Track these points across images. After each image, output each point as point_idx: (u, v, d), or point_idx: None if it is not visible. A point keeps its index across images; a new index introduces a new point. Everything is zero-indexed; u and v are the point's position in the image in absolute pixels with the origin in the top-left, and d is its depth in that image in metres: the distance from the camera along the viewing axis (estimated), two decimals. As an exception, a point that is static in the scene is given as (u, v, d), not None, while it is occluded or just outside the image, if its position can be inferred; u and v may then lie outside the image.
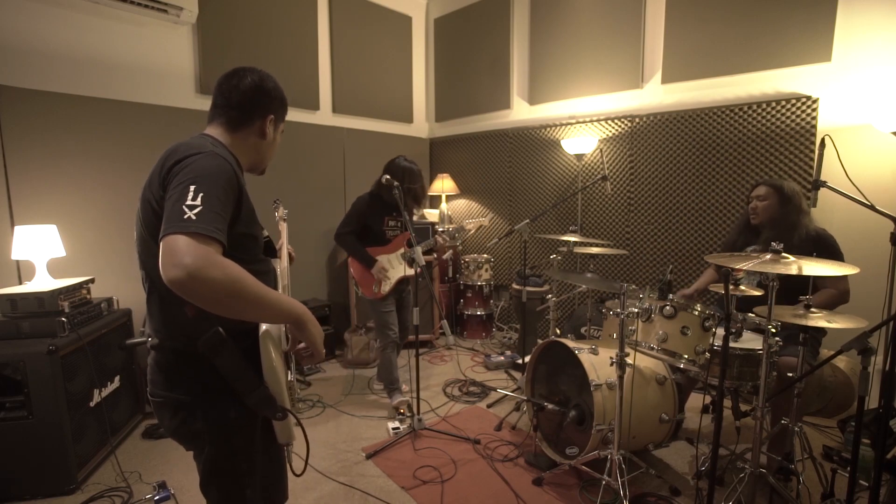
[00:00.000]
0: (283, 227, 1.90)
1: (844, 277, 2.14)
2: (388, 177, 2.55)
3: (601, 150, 3.79)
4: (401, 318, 3.07)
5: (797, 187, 2.32)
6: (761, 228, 2.33)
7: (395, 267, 2.94)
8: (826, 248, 2.14)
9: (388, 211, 2.91)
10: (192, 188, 0.92)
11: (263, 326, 1.10)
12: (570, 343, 2.26)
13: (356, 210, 2.91)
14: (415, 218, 4.95)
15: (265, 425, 1.15)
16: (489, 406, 3.04)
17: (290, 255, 1.70)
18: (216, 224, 0.92)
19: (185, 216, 0.88)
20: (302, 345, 1.12)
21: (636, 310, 2.03)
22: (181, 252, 0.85)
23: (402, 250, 2.96)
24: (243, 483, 1.15)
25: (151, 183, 1.03)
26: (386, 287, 2.90)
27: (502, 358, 3.75)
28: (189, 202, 0.90)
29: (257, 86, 1.18)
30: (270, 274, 1.22)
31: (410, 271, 2.91)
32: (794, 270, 1.60)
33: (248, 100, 1.17)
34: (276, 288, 1.26)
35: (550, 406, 2.33)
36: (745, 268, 1.67)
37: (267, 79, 1.21)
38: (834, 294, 2.14)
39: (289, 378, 1.16)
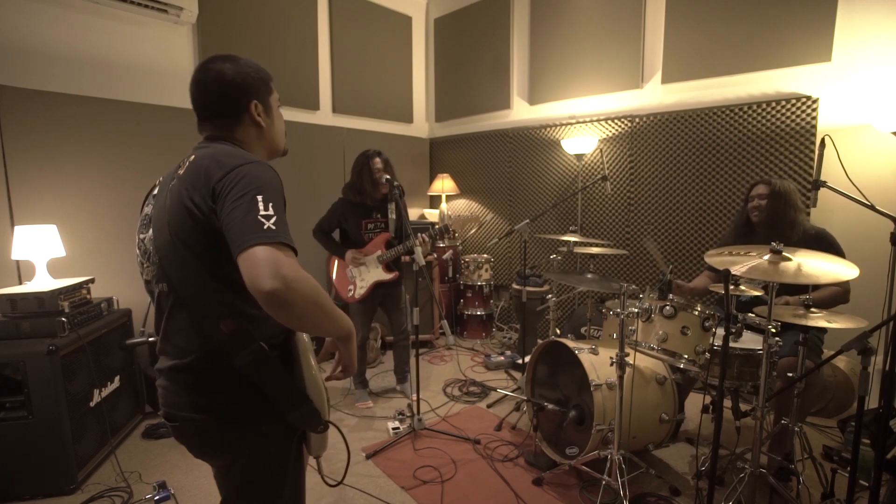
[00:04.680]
0: None
1: None
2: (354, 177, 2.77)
3: (601, 150, 3.79)
4: (391, 319, 3.09)
5: (793, 185, 2.33)
6: (760, 227, 2.33)
7: (370, 270, 2.90)
8: (828, 246, 2.13)
9: (366, 213, 2.89)
10: (259, 198, 0.89)
11: (306, 338, 1.07)
12: (570, 343, 2.26)
13: (330, 211, 2.94)
14: (415, 218, 4.97)
15: (298, 437, 1.12)
16: (489, 406, 3.03)
17: None
18: (289, 234, 0.90)
19: (265, 226, 0.86)
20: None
21: (636, 310, 2.03)
22: (275, 263, 0.82)
23: (378, 252, 2.89)
24: (274, 496, 1.11)
25: (194, 190, 0.95)
26: (360, 291, 2.89)
27: (502, 358, 3.75)
28: (263, 212, 0.88)
29: (219, 81, 1.07)
30: None
31: (386, 275, 2.88)
32: (792, 268, 1.60)
33: (222, 99, 1.08)
34: None
35: (550, 406, 2.33)
36: (745, 267, 1.66)
37: (225, 69, 1.07)
38: (837, 291, 2.14)
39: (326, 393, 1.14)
